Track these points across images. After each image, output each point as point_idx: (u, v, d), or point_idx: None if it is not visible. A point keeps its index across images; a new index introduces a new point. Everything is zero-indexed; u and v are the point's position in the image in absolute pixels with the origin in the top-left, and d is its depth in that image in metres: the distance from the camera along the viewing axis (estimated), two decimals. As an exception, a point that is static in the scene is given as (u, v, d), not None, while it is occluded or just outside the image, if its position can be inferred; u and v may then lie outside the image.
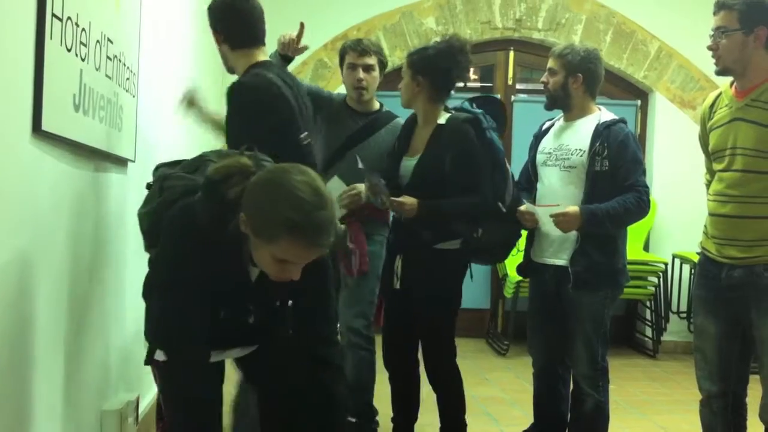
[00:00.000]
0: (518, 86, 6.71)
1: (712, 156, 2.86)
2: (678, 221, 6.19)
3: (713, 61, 2.79)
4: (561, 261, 3.21)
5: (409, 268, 3.33)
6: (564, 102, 3.27)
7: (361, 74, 3.55)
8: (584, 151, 3.16)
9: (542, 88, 3.38)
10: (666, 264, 6.05)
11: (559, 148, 3.25)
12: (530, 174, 3.39)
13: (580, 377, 3.23)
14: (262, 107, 2.76)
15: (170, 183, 2.08)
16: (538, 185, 3.33)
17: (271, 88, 2.81)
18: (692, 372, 2.97)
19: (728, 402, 2.86)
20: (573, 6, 6.43)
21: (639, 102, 6.47)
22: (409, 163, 3.33)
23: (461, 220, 3.25)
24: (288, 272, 1.79)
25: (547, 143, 3.33)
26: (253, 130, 2.72)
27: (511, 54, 6.56)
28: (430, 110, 3.31)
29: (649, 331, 6.28)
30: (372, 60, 3.56)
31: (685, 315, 6.13)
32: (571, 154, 3.20)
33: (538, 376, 3.43)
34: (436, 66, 3.25)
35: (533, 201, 3.31)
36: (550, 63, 3.28)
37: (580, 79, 3.22)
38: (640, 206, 3.13)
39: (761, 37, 2.69)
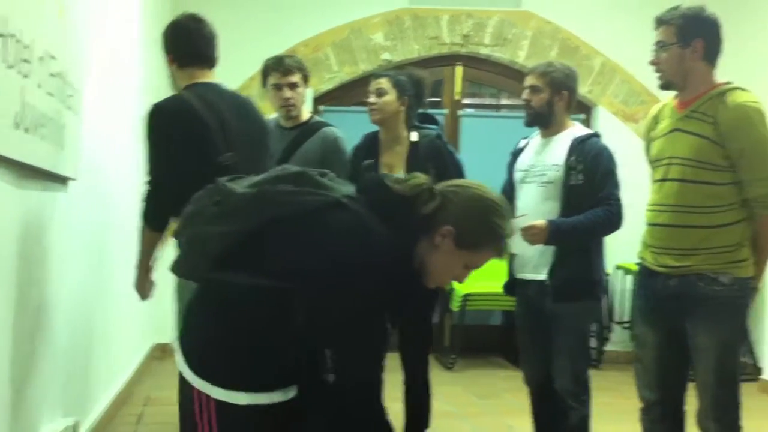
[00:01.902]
0: (466, 101, 6.79)
1: (652, 165, 2.94)
2: (620, 232, 6.23)
3: (657, 75, 2.87)
4: (542, 276, 3.22)
5: None
6: (547, 119, 3.26)
7: (288, 93, 3.61)
8: (560, 166, 3.18)
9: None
10: (608, 275, 6.15)
11: (535, 165, 3.26)
12: (509, 192, 3.37)
13: (564, 392, 3.21)
14: (169, 129, 2.82)
15: (290, 198, 1.83)
16: (517, 203, 3.31)
17: (180, 110, 2.84)
18: (634, 381, 3.03)
19: (667, 410, 2.93)
20: (519, 22, 6.53)
21: (583, 116, 6.58)
22: None
23: None
24: (464, 278, 1.95)
25: (524, 160, 3.33)
26: (164, 152, 2.84)
27: (459, 69, 6.64)
28: (405, 128, 3.54)
29: (593, 342, 6.36)
30: (296, 77, 3.63)
31: (627, 325, 6.24)
32: (548, 170, 3.21)
33: (535, 394, 3.39)
34: (421, 90, 3.59)
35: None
36: (533, 81, 3.25)
37: (565, 96, 3.23)
38: (610, 219, 3.14)
39: (699, 49, 2.78)
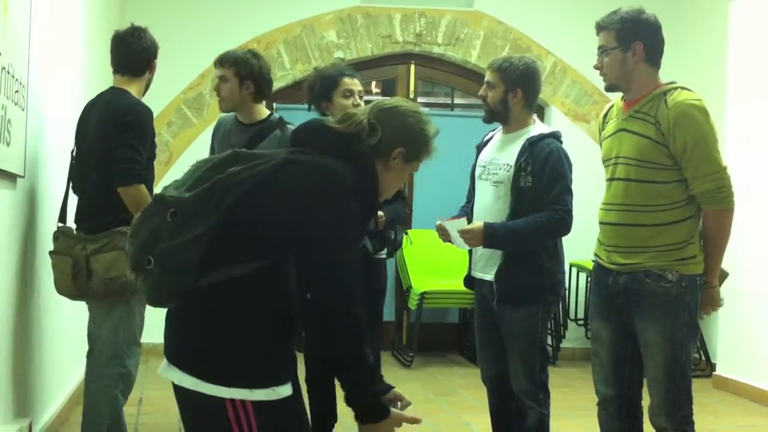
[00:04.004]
0: (420, 100, 6.80)
1: (603, 165, 2.97)
2: (574, 231, 6.28)
3: (602, 79, 2.90)
4: (488, 276, 3.19)
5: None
6: (503, 116, 3.20)
7: (219, 85, 3.56)
8: (511, 166, 3.12)
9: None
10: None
11: (491, 162, 3.21)
12: (472, 188, 3.34)
13: (519, 392, 3.19)
14: None
15: (242, 176, 1.86)
16: (475, 198, 3.28)
17: None
18: (590, 378, 3.06)
19: (623, 404, 2.95)
20: (471, 22, 6.56)
21: (535, 116, 6.62)
22: None
23: (393, 225, 3.49)
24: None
25: (484, 156, 3.28)
26: None
27: (412, 68, 6.65)
28: None
29: (548, 338, 6.43)
30: (224, 71, 3.52)
31: (582, 322, 6.31)
32: (500, 169, 3.16)
33: (492, 391, 3.36)
34: None
35: (471, 212, 3.28)
36: (488, 76, 3.20)
37: (519, 94, 3.14)
38: (552, 224, 3.07)
39: (639, 51, 2.81)
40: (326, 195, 1.87)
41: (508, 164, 3.14)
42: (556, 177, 3.08)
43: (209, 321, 1.84)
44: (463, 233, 3.08)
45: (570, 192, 3.13)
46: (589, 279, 6.15)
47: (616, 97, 3.01)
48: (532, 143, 3.12)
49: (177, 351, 1.87)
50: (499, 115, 3.21)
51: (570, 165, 3.16)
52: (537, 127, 3.22)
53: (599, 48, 2.87)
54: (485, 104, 3.22)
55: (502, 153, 3.20)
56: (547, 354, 3.28)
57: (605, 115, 3.02)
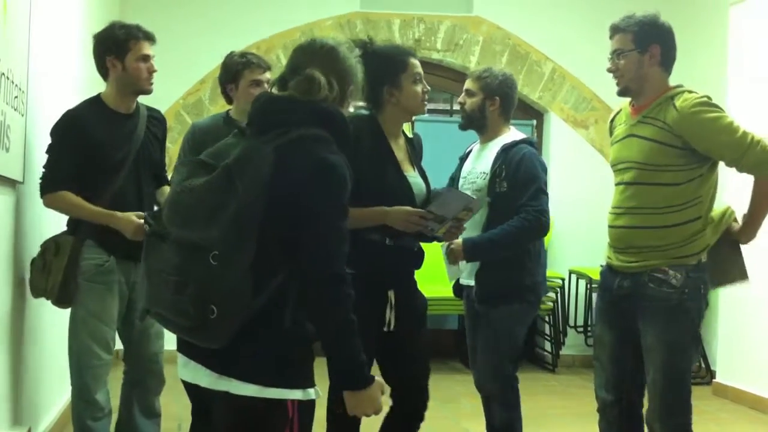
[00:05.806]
0: (418, 105, 6.79)
1: (612, 170, 2.99)
2: (573, 238, 6.32)
3: (615, 82, 2.92)
4: (473, 281, 3.26)
5: (404, 299, 2.94)
6: (480, 123, 3.29)
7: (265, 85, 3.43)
8: (487, 174, 3.21)
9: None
10: (563, 279, 6.21)
11: (470, 172, 3.31)
12: None
13: (487, 392, 3.22)
14: None
15: (254, 192, 1.87)
16: None
17: None
18: (590, 385, 3.06)
19: (623, 409, 2.95)
20: (470, 28, 6.57)
21: (535, 122, 6.64)
22: (417, 180, 2.99)
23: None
24: None
25: (465, 166, 3.38)
26: None
27: (411, 73, 6.63)
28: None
29: (548, 346, 6.42)
30: (269, 74, 3.55)
31: (582, 329, 6.30)
32: (477, 177, 3.25)
33: (485, 396, 3.38)
34: None
35: None
36: (468, 84, 3.31)
37: (497, 102, 3.25)
38: (527, 227, 3.11)
39: (656, 54, 2.85)
40: (330, 180, 1.93)
41: (484, 172, 3.25)
42: (529, 179, 3.16)
43: (260, 331, 1.88)
44: (447, 249, 3.16)
45: (544, 193, 3.20)
46: (588, 286, 6.17)
47: (620, 103, 3.03)
48: (506, 149, 3.21)
49: (228, 362, 1.88)
50: (475, 121, 3.30)
51: (544, 168, 3.26)
52: (511, 135, 3.30)
53: (615, 51, 2.89)
54: (462, 111, 3.32)
55: (479, 162, 3.31)
56: (515, 353, 3.26)
57: (612, 121, 3.07)
